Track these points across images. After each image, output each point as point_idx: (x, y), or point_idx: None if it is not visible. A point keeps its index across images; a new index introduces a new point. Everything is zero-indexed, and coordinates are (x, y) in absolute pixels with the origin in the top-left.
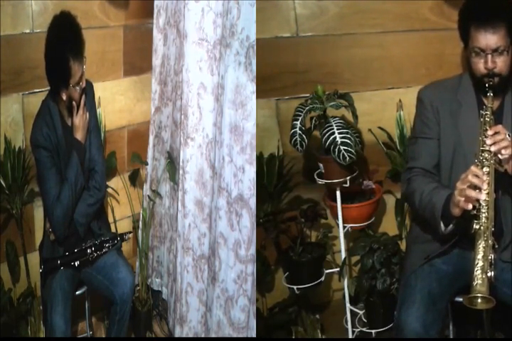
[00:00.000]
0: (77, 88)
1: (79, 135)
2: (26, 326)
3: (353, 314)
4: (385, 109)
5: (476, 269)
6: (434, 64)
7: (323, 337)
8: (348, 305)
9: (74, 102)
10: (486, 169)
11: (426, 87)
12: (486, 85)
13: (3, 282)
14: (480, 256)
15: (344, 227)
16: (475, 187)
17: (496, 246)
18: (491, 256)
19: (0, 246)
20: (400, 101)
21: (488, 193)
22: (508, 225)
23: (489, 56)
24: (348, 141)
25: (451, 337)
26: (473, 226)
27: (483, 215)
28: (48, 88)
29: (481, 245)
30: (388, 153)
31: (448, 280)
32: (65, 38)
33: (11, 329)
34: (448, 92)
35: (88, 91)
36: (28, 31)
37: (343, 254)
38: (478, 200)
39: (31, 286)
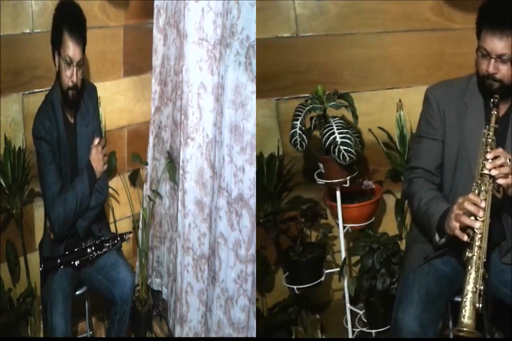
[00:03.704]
0: (68, 68)
1: (95, 164)
2: (26, 326)
3: (353, 314)
4: (385, 109)
5: (464, 300)
6: (434, 64)
7: (323, 337)
8: (348, 305)
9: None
10: (483, 195)
11: (434, 87)
12: (492, 101)
13: (3, 282)
14: (470, 287)
15: (344, 227)
16: (471, 214)
17: (487, 277)
18: (481, 288)
19: (0, 246)
20: (400, 101)
21: (483, 221)
22: (510, 230)
23: (492, 60)
24: (348, 141)
25: (451, 337)
26: (466, 253)
27: (476, 244)
28: (49, 88)
29: (471, 276)
30: (388, 153)
31: (447, 280)
32: (67, 13)
33: (11, 329)
34: (455, 93)
35: (92, 93)
36: (28, 31)
37: (343, 254)
38: (472, 228)
39: (31, 286)
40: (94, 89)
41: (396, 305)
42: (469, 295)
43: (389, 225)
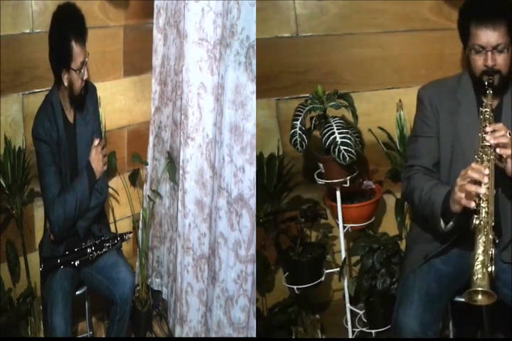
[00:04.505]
0: (79, 74)
1: (94, 164)
2: (26, 326)
3: (353, 314)
4: (385, 109)
5: (476, 264)
6: (434, 64)
7: (323, 337)
8: (348, 305)
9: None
10: (486, 164)
11: (425, 86)
12: (486, 83)
13: (3, 282)
14: (480, 250)
15: (344, 227)
16: (475, 182)
17: (497, 241)
18: (492, 251)
19: (0, 246)
20: (400, 101)
21: (488, 188)
22: (507, 225)
23: (489, 53)
24: (348, 141)
25: (451, 337)
26: (473, 221)
27: (483, 210)
28: (49, 88)
29: (481, 240)
30: (388, 153)
31: (447, 281)
32: (68, 20)
33: (11, 329)
34: (447, 91)
35: (92, 94)
36: (28, 31)
37: (343, 254)
38: (478, 195)
39: (31, 286)
40: (94, 89)
41: (396, 305)
42: (480, 258)
43: (389, 225)
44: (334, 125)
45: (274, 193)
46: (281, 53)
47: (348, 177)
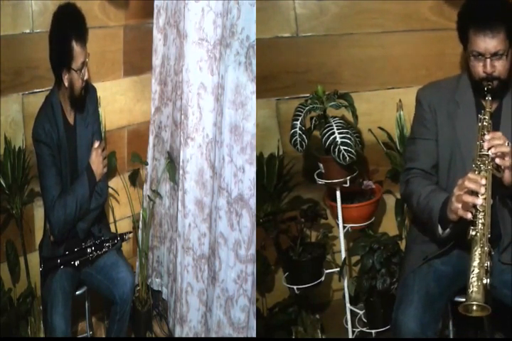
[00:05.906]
0: (79, 74)
1: (94, 167)
2: (26, 326)
3: (353, 314)
4: (385, 109)
5: (471, 276)
6: (434, 64)
7: (323, 337)
8: (348, 305)
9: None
10: (483, 174)
11: (424, 88)
12: (485, 89)
13: (3, 282)
14: (476, 263)
15: (344, 227)
16: (472, 193)
17: (493, 253)
18: (487, 263)
19: (0, 246)
20: (400, 101)
21: (485, 198)
22: (506, 227)
23: (488, 60)
24: (348, 141)
25: (451, 337)
26: (470, 232)
27: (480, 221)
28: (49, 88)
29: (477, 252)
30: (388, 153)
31: (447, 281)
32: (69, 20)
33: (11, 329)
34: (446, 93)
35: (92, 95)
36: (28, 31)
37: (343, 254)
38: (475, 206)
39: (31, 286)
40: (94, 90)
41: (396, 305)
42: (476, 271)
43: (389, 225)
44: (334, 125)
45: (274, 193)
46: (281, 53)
47: (348, 177)
